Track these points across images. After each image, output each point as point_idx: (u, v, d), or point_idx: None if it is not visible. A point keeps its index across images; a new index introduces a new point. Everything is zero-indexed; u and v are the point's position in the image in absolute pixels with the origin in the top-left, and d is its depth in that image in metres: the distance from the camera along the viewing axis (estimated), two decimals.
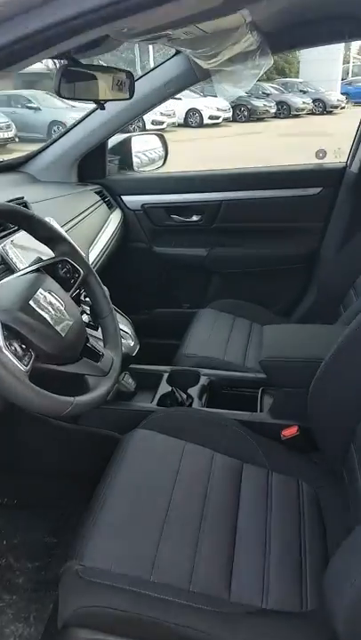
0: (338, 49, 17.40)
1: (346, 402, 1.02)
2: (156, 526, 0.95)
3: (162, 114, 12.52)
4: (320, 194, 1.98)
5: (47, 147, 1.91)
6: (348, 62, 23.19)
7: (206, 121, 14.27)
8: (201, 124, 14.21)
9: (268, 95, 15.98)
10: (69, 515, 1.49)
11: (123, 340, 1.16)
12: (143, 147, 2.21)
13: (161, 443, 1.15)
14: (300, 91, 17.35)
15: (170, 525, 0.96)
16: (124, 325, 1.38)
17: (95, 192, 1.93)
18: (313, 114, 16.47)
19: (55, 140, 1.91)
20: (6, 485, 1.46)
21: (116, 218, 1.98)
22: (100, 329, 1.09)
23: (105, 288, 1.10)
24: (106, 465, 1.12)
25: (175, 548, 0.92)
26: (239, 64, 1.45)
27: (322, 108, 16.80)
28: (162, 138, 2.25)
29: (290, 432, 1.26)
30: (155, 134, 2.27)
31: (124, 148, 2.12)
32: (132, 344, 1.37)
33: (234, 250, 2.09)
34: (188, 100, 13.33)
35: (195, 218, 2.07)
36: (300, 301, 2.11)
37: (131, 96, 1.35)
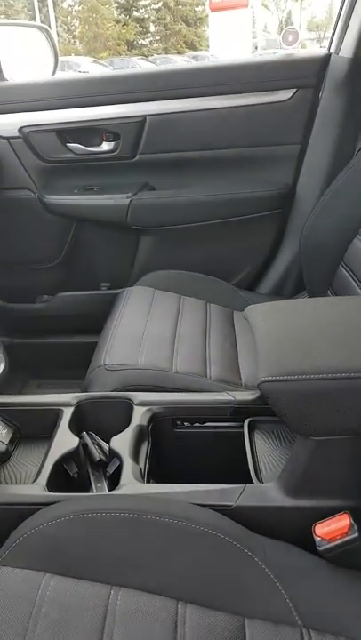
0: (245, 25, 17.38)
1: None
2: None
3: None
4: (294, 98, 1.30)
5: None
6: (255, 38, 23.50)
7: None
8: None
9: None
10: None
11: None
12: (15, 45, 1.42)
13: (61, 593, 0.54)
14: None
15: None
16: None
17: None
18: None
19: None
20: None
21: None
22: None
23: None
24: None
25: None
26: None
27: None
28: (46, 32, 1.48)
29: (336, 529, 0.59)
30: (34, 26, 1.48)
31: None
32: None
33: (169, 195, 1.38)
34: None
35: (106, 146, 1.37)
36: (270, 266, 1.45)
37: None
